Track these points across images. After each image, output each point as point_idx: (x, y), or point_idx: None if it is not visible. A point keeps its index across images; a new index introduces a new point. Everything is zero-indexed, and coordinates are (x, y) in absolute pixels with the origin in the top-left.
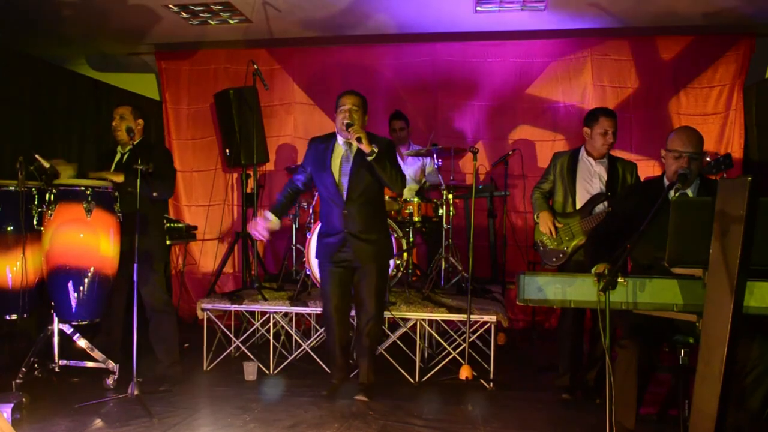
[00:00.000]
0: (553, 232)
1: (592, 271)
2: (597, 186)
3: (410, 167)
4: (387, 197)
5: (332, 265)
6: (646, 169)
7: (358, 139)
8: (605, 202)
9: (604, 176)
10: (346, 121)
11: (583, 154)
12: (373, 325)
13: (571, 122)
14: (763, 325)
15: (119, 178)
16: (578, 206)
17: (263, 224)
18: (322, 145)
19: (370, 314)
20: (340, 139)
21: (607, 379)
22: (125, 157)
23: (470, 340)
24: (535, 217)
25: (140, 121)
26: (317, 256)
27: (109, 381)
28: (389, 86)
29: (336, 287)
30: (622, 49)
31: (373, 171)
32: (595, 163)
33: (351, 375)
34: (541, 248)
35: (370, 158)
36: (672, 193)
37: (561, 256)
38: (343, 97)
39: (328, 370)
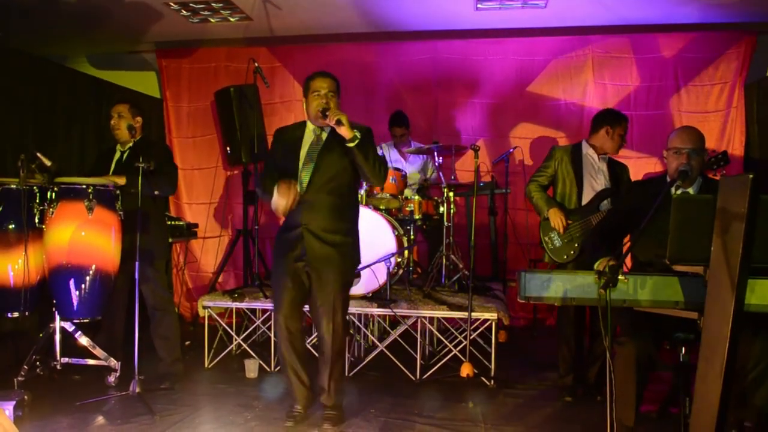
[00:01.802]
0: (563, 229)
1: (595, 267)
2: (602, 182)
3: (412, 165)
4: (387, 195)
5: (286, 267)
6: (647, 166)
7: (338, 122)
8: (610, 198)
9: (607, 173)
10: (322, 107)
11: (587, 149)
12: (332, 344)
13: (572, 120)
14: (764, 323)
15: (121, 181)
16: (584, 201)
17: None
18: (292, 133)
19: (327, 331)
20: (309, 126)
21: (607, 376)
22: (125, 156)
23: (471, 337)
24: (545, 213)
25: (138, 118)
26: (273, 256)
27: (111, 379)
28: (390, 84)
29: (288, 292)
30: (623, 47)
31: (347, 159)
32: (599, 159)
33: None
34: (550, 246)
35: (351, 144)
36: (673, 190)
37: (572, 252)
38: (316, 81)
39: None
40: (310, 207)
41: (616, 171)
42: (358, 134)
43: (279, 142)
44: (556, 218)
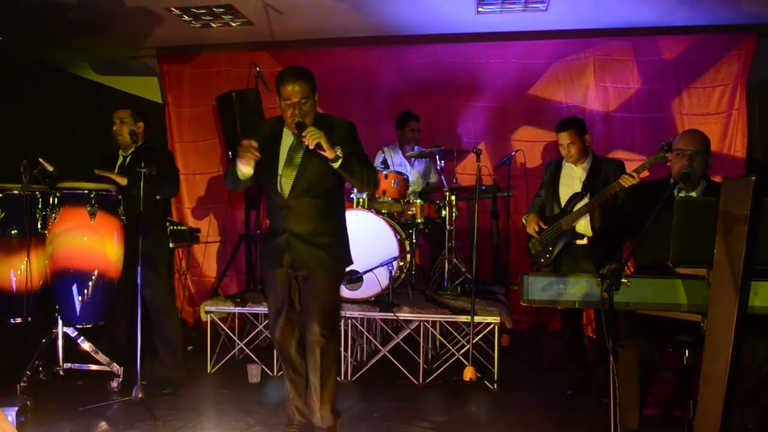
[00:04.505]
0: (537, 233)
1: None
2: (577, 187)
3: (415, 169)
4: (389, 199)
5: (277, 275)
6: (649, 169)
7: (318, 146)
8: (583, 201)
9: (585, 176)
10: (296, 119)
11: (566, 159)
12: (323, 352)
13: None
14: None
15: (123, 181)
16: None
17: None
18: (271, 128)
19: (317, 335)
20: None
21: (611, 379)
22: (127, 161)
23: (474, 341)
24: (524, 220)
25: (140, 123)
26: (262, 264)
27: (114, 384)
28: (391, 88)
29: (280, 302)
30: (625, 49)
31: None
32: (577, 167)
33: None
34: (533, 250)
35: (335, 165)
36: (676, 193)
37: (548, 256)
38: (286, 87)
39: None
40: (293, 213)
41: (599, 172)
42: (340, 153)
43: (259, 136)
44: (529, 224)
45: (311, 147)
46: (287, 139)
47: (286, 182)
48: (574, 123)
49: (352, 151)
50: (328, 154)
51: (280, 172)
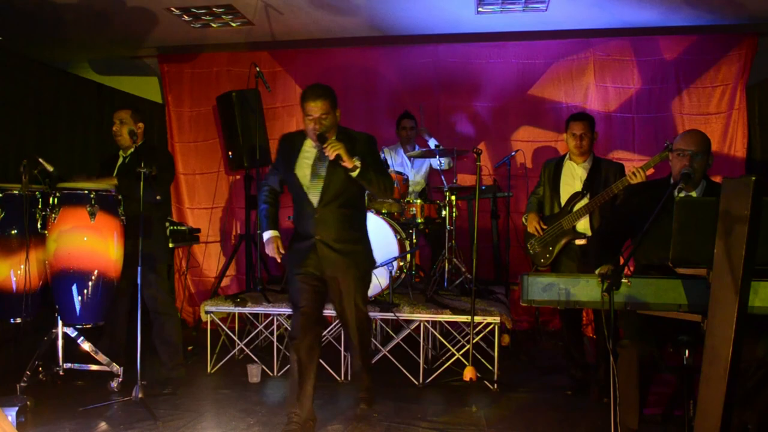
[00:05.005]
0: (539, 232)
1: (596, 271)
2: (578, 187)
3: (416, 170)
4: (390, 199)
5: (301, 275)
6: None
7: (338, 157)
8: (583, 201)
9: (585, 176)
10: (318, 132)
11: (567, 158)
12: (361, 323)
13: None
14: (767, 325)
15: (113, 181)
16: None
17: (272, 246)
18: (294, 144)
19: (353, 315)
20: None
21: (611, 379)
22: (127, 161)
23: (474, 341)
24: (524, 220)
25: (140, 124)
26: (287, 265)
27: (114, 384)
28: (391, 88)
29: (306, 300)
30: (625, 49)
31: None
32: (578, 166)
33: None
34: (531, 251)
35: (353, 174)
36: (676, 193)
37: (548, 256)
38: (308, 104)
39: (331, 372)
40: (322, 221)
41: (600, 172)
42: (357, 163)
43: (283, 151)
44: (530, 224)
45: (331, 158)
46: (311, 152)
47: (314, 193)
48: (589, 116)
49: (372, 163)
50: (347, 164)
51: (307, 183)
